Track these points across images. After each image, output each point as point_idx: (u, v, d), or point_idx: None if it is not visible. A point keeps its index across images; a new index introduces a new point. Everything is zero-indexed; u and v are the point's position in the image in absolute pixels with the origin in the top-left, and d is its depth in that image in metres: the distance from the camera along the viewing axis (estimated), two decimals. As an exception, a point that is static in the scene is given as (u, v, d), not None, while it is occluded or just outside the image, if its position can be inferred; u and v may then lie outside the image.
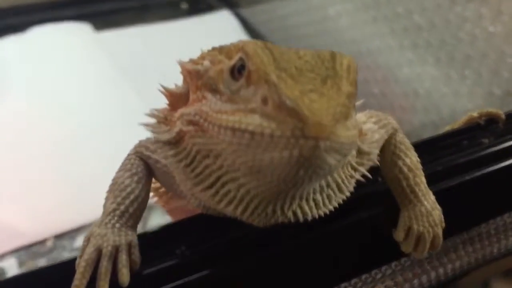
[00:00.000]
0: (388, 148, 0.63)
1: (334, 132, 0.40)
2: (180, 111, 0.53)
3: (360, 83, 1.58)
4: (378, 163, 0.59)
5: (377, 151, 0.58)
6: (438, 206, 0.61)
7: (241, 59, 0.47)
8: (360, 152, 0.55)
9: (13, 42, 1.81)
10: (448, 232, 0.65)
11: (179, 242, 0.57)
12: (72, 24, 1.92)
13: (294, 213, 0.50)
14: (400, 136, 0.64)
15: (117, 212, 0.55)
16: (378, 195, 0.63)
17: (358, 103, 0.57)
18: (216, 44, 0.55)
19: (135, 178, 0.57)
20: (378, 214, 0.62)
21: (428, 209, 0.60)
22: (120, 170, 0.58)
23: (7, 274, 1.16)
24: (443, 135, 0.73)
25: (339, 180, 0.53)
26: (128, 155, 0.59)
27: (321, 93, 0.42)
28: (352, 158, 0.54)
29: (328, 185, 0.51)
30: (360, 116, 0.62)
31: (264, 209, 0.49)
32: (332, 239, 0.60)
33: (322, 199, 0.51)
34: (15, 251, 1.20)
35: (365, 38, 1.57)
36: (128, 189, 0.56)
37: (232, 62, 0.48)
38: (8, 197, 1.31)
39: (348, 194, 0.54)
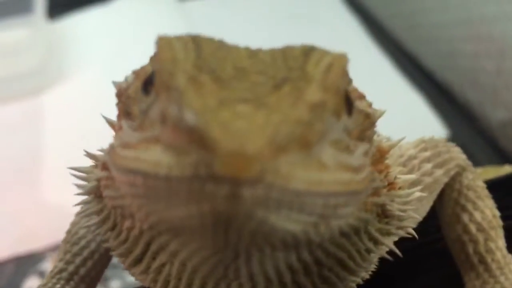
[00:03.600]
0: (449, 196, 0.45)
1: (274, 169, 0.24)
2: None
3: (469, 56, 1.32)
4: (415, 235, 0.39)
5: (416, 216, 0.39)
6: None
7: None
8: (386, 215, 0.35)
9: (96, 15, 1.78)
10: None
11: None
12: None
13: None
14: (469, 178, 0.45)
15: (64, 274, 0.44)
16: (434, 259, 0.45)
17: (378, 116, 0.37)
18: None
19: (93, 227, 0.44)
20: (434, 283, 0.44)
21: None
22: (77, 213, 0.46)
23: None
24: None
25: (343, 255, 0.33)
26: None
27: (261, 103, 0.25)
28: (369, 225, 0.34)
29: (318, 263, 0.32)
30: (408, 148, 0.44)
31: None
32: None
33: (313, 284, 0.33)
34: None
35: (477, 2, 1.30)
36: (82, 242, 0.45)
37: (150, 69, 0.33)
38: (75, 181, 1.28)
39: (366, 274, 0.37)
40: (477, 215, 0.44)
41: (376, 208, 0.34)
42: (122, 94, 0.37)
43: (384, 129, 1.40)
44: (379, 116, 0.37)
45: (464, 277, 0.45)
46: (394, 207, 0.36)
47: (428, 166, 0.43)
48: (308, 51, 0.30)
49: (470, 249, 0.43)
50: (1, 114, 1.50)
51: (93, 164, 0.40)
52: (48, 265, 1.13)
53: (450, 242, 0.45)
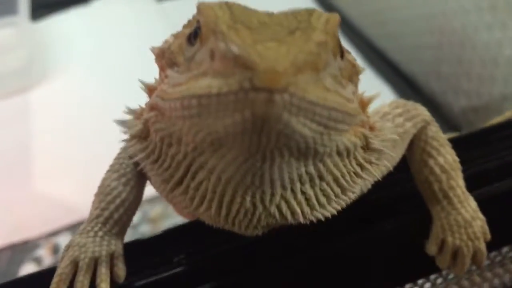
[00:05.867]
0: (417, 145, 0.53)
1: (295, 83, 0.32)
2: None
3: (433, 48, 1.42)
4: (391, 168, 0.49)
5: (392, 154, 0.48)
6: (480, 215, 0.51)
7: (197, 21, 0.40)
8: (368, 148, 0.45)
9: (76, 15, 1.83)
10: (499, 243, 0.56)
11: (178, 250, 0.53)
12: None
13: (279, 209, 0.41)
14: (433, 130, 0.54)
15: (100, 219, 0.50)
16: (406, 200, 0.53)
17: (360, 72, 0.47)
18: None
19: (123, 179, 0.51)
20: (406, 223, 0.53)
21: (466, 219, 0.50)
22: (108, 171, 0.53)
23: (62, 249, 1.19)
24: (496, 126, 0.61)
25: (337, 174, 0.42)
26: (118, 154, 0.54)
27: (282, 41, 0.34)
28: (357, 150, 0.43)
29: (320, 176, 0.41)
30: (383, 106, 0.53)
31: (242, 203, 0.41)
32: (348, 254, 0.52)
33: (315, 195, 0.42)
34: (70, 227, 1.21)
35: (438, -2, 1.41)
36: (114, 192, 0.51)
37: (191, 28, 0.42)
38: (64, 173, 1.32)
39: (352, 196, 0.45)
40: (440, 159, 0.52)
41: (362, 137, 0.44)
42: (165, 51, 0.45)
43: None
44: (361, 72, 0.46)
45: (432, 211, 0.52)
46: (375, 142, 0.45)
47: (400, 120, 0.52)
48: (311, 11, 0.39)
49: (436, 187, 0.51)
50: (-11, 110, 1.53)
51: (132, 118, 0.48)
52: (42, 252, 1.17)
53: (419, 184, 0.53)
